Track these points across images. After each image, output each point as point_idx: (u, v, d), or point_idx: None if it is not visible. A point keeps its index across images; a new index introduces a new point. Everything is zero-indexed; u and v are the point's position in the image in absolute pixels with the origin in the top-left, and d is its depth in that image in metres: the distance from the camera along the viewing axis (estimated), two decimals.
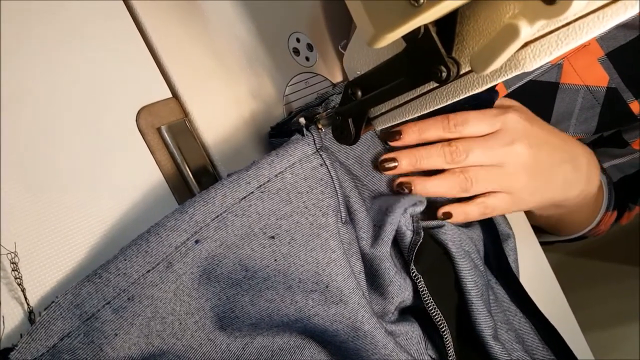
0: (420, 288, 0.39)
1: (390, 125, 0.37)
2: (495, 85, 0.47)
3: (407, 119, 0.35)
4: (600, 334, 0.97)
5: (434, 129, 0.44)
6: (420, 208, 0.43)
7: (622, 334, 0.98)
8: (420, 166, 0.44)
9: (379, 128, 0.38)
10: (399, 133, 0.44)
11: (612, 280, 1.05)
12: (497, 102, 0.50)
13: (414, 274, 0.40)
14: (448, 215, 0.47)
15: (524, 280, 0.54)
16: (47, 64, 0.32)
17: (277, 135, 0.40)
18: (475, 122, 0.45)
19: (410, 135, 0.44)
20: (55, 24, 0.33)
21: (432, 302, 0.39)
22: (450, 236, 0.44)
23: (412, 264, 0.40)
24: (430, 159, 0.44)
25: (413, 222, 0.42)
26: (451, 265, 0.42)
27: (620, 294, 1.00)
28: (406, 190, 0.45)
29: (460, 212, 0.47)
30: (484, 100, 0.47)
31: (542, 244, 0.65)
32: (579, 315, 0.63)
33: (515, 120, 0.47)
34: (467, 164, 0.45)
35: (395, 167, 0.44)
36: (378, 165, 0.44)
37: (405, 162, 0.44)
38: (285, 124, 0.40)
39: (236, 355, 0.34)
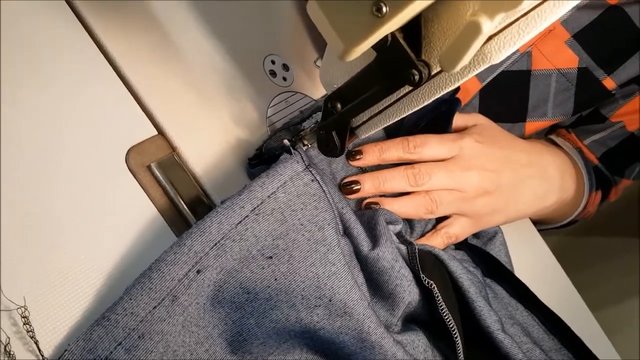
0: (435, 294, 0.39)
1: (373, 132, 0.38)
2: (457, 91, 0.49)
3: (388, 124, 0.36)
4: (610, 311, 0.98)
5: (394, 150, 0.45)
6: (399, 227, 0.43)
7: (631, 309, 0.99)
8: (383, 189, 0.45)
9: (363, 137, 0.38)
10: (360, 153, 0.45)
11: (614, 256, 1.05)
12: (464, 117, 0.52)
13: (425, 280, 0.39)
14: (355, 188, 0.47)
15: (525, 268, 0.55)
16: (35, 119, 0.33)
17: (256, 164, 0.41)
18: (435, 145, 0.46)
19: (371, 155, 0.45)
20: (34, 71, 0.34)
21: (445, 306, 0.39)
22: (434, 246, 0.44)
23: (420, 272, 0.39)
24: (394, 181, 0.45)
25: (400, 237, 0.42)
26: (444, 269, 0.42)
27: (623, 269, 1.00)
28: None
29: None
30: (445, 113, 0.48)
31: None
32: (585, 295, 0.64)
33: (470, 146, 0.48)
34: (429, 187, 0.46)
35: (358, 189, 0.44)
36: (341, 188, 0.44)
37: (368, 184, 0.44)
38: (264, 149, 0.40)
39: None
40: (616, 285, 1.01)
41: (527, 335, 0.45)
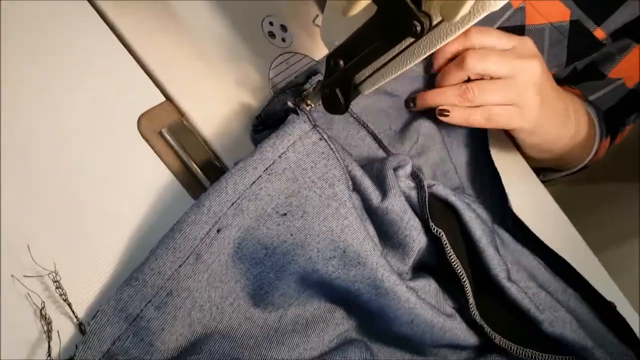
0: (444, 242, 0.40)
1: (376, 87, 0.38)
2: None
3: (391, 78, 0.37)
4: (612, 252, 1.00)
5: (455, 44, 0.50)
6: (408, 168, 0.44)
7: (632, 250, 1.00)
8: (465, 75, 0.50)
9: (367, 92, 0.39)
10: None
11: (615, 200, 1.06)
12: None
13: (434, 229, 0.40)
14: (445, 113, 0.50)
15: (529, 216, 0.56)
16: (48, 94, 0.34)
17: (260, 130, 0.41)
18: (495, 36, 0.50)
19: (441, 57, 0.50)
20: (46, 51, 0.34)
21: (453, 254, 0.40)
22: (449, 190, 0.45)
23: (430, 221, 0.40)
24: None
25: (413, 181, 0.43)
26: (454, 217, 0.43)
27: (624, 211, 1.02)
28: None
29: (462, 115, 0.50)
30: None
31: (544, 182, 0.67)
32: (588, 237, 0.65)
33: (532, 46, 0.51)
34: (483, 71, 0.49)
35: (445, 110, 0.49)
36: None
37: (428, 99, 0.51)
38: (263, 116, 0.41)
39: (274, 328, 0.36)
40: (618, 227, 1.02)
41: (533, 279, 0.46)
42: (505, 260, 0.43)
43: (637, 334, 0.43)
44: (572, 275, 0.48)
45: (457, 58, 0.50)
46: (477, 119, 0.50)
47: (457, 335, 0.39)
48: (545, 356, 0.38)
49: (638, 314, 0.58)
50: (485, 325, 0.39)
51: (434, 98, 0.51)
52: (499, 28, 0.65)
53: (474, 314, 0.39)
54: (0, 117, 0.31)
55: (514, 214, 0.52)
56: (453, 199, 0.43)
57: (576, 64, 0.70)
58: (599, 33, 0.64)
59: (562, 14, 0.63)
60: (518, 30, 0.64)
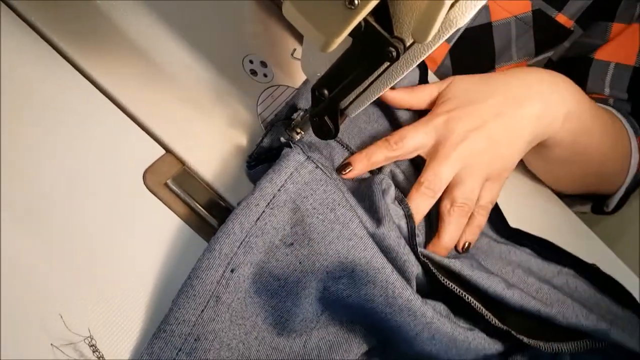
0: (433, 270, 0.40)
1: (361, 109, 0.40)
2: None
3: (374, 99, 0.39)
4: (608, 221, 1.01)
5: (379, 152, 0.47)
6: (392, 192, 0.44)
7: (630, 214, 1.00)
8: (374, 162, 0.47)
9: (353, 115, 0.41)
10: (349, 165, 0.46)
11: None
12: (437, 83, 0.53)
13: (421, 255, 0.41)
14: (466, 248, 0.48)
15: (520, 194, 0.58)
16: (54, 165, 0.35)
17: (254, 165, 0.42)
18: (412, 136, 0.48)
19: (360, 163, 0.46)
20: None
21: (445, 279, 0.40)
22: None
23: (418, 249, 0.41)
24: (378, 152, 0.47)
25: (402, 209, 0.44)
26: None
27: None
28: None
29: (474, 228, 0.48)
30: None
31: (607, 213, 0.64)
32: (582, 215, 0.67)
33: (443, 121, 0.48)
34: (406, 149, 0.47)
35: (351, 170, 0.46)
36: (337, 172, 0.46)
37: (359, 164, 0.46)
38: (256, 154, 0.42)
39: (300, 354, 0.37)
40: None
41: (530, 273, 0.46)
42: (496, 273, 0.43)
43: (637, 298, 0.44)
44: (563, 255, 0.49)
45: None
46: (480, 219, 0.49)
47: (482, 345, 0.39)
48: (568, 344, 0.39)
49: (638, 277, 0.59)
50: (511, 330, 0.39)
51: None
52: (467, 29, 0.68)
53: (494, 322, 0.39)
54: (14, 187, 0.33)
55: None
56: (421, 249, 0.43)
57: (550, 56, 0.72)
58: (562, 18, 0.66)
59: (524, 6, 0.66)
60: (485, 28, 0.67)
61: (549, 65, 0.73)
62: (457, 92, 0.52)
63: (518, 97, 0.51)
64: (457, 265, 0.42)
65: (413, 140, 0.48)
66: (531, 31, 0.68)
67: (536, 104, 0.50)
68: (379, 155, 0.47)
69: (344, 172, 0.46)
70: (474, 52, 0.70)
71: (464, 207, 0.47)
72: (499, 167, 0.50)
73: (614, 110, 0.63)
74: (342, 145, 0.49)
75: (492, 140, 0.49)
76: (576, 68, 0.68)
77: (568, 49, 0.70)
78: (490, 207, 0.50)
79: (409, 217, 0.43)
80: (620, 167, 0.63)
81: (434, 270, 0.40)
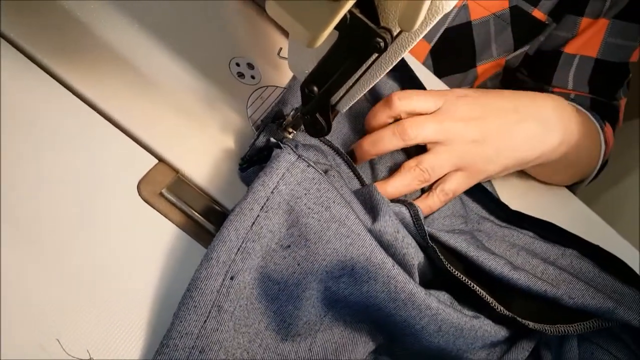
0: (440, 256, 0.40)
1: (352, 103, 0.40)
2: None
3: (364, 92, 0.39)
4: (606, 201, 1.01)
5: (379, 114, 0.47)
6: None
7: (629, 189, 1.00)
8: (377, 152, 0.47)
9: (344, 110, 0.41)
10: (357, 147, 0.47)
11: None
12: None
13: (428, 244, 0.40)
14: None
15: (518, 179, 0.57)
16: (49, 184, 0.35)
17: (246, 168, 0.42)
18: (420, 98, 0.47)
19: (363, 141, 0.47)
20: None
21: (450, 265, 0.40)
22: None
23: (426, 234, 0.41)
24: (384, 140, 0.46)
25: (402, 202, 0.44)
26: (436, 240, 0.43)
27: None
28: None
29: (425, 207, 0.48)
30: None
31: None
32: (580, 195, 0.67)
33: (452, 100, 0.49)
34: (422, 139, 0.47)
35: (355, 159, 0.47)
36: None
37: (360, 151, 0.47)
38: (247, 156, 0.42)
39: (306, 358, 0.36)
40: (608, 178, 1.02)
41: (534, 255, 0.46)
42: (502, 255, 0.43)
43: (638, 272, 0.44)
44: (565, 237, 0.49)
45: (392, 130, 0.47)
46: (435, 201, 0.48)
47: (489, 332, 0.39)
48: (574, 326, 0.39)
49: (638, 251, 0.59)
50: (516, 317, 0.39)
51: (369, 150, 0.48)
52: (447, 29, 0.69)
53: (499, 309, 0.39)
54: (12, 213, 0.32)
55: (491, 195, 0.53)
56: (427, 229, 0.42)
57: (527, 50, 0.73)
58: (538, 14, 0.68)
59: (501, 4, 0.68)
60: (464, 27, 0.69)
61: (526, 58, 0.74)
62: (466, 91, 0.52)
63: (525, 113, 0.52)
64: (462, 246, 0.41)
65: (420, 103, 0.48)
66: (509, 28, 0.69)
67: (552, 136, 0.52)
68: (380, 117, 0.48)
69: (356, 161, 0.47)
70: (455, 51, 0.71)
71: (424, 174, 0.47)
72: (478, 166, 0.49)
73: (576, 105, 0.64)
74: (330, 147, 0.48)
75: (484, 138, 0.49)
76: (546, 61, 0.71)
77: (543, 43, 0.72)
78: (451, 197, 0.49)
79: (410, 204, 0.43)
80: (596, 161, 0.67)
81: (442, 258, 0.40)
